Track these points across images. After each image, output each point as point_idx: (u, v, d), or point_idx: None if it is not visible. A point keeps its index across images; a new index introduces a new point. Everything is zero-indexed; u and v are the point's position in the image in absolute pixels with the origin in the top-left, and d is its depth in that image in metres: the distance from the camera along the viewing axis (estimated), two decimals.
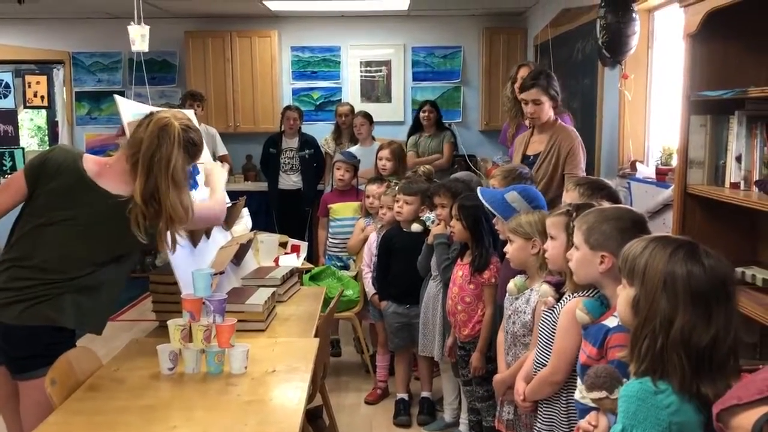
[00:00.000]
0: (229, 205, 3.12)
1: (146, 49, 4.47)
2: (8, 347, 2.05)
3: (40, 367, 1.99)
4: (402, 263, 3.54)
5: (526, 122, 4.12)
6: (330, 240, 4.42)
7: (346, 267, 4.29)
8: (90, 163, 2.17)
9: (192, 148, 2.19)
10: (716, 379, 1.37)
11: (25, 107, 8.41)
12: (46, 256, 2.09)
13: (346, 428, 3.42)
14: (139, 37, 4.35)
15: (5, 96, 7.10)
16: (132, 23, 4.41)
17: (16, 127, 7.76)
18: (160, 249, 2.19)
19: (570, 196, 2.46)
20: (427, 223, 3.43)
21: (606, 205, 2.22)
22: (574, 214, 2.07)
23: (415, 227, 3.50)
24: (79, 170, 2.12)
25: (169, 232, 2.14)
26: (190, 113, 3.36)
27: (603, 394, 1.63)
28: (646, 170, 3.64)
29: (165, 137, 2.09)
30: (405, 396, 3.60)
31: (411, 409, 3.58)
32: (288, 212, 6.00)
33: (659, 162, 3.47)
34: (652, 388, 1.40)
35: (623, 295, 1.53)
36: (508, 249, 2.55)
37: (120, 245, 2.18)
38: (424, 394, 3.58)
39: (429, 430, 3.40)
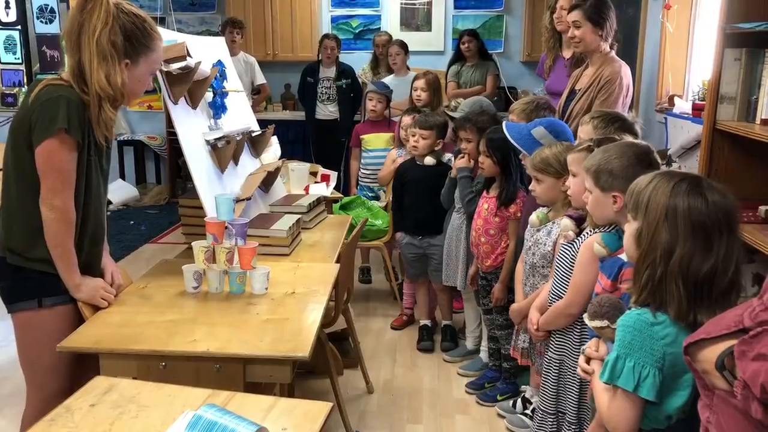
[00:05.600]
0: (258, 133, 3.18)
1: None
2: None
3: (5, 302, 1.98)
4: (414, 196, 3.56)
5: (564, 54, 4.04)
6: (362, 170, 4.45)
7: (377, 197, 4.34)
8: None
9: (130, 17, 1.93)
10: (715, 309, 1.37)
11: None
12: None
13: (372, 351, 3.55)
14: None
15: (51, 21, 7.24)
16: None
17: (62, 52, 7.92)
18: (97, 134, 1.93)
19: (584, 130, 2.40)
20: (444, 160, 3.41)
21: (627, 138, 2.19)
22: (596, 150, 2.05)
23: (428, 160, 3.51)
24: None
25: (102, 113, 1.91)
26: (221, 40, 3.39)
27: (604, 323, 1.65)
28: (684, 105, 3.55)
29: (84, 8, 1.89)
30: (428, 322, 3.69)
31: (434, 336, 3.67)
32: (325, 142, 6.00)
33: (697, 97, 3.37)
34: (650, 319, 1.42)
35: (628, 229, 1.54)
36: (535, 187, 2.47)
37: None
38: (446, 322, 3.66)
39: (451, 356, 3.48)
